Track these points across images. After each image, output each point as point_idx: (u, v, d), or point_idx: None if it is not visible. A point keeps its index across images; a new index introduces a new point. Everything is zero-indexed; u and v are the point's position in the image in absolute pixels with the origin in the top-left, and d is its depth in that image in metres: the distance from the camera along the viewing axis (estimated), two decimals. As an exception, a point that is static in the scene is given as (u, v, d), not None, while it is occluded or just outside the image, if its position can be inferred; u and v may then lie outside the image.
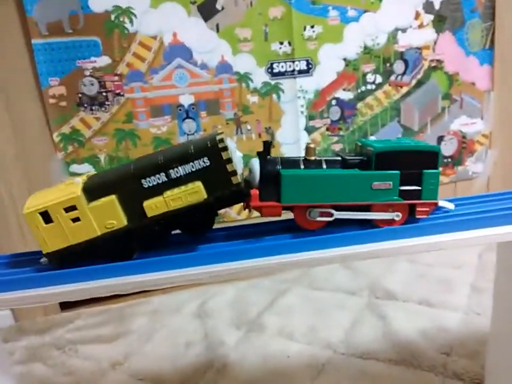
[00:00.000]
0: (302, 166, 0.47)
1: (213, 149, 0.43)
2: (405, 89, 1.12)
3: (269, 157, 0.47)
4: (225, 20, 0.97)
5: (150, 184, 0.44)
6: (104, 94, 0.94)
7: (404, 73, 1.11)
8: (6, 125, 0.92)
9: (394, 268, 1.05)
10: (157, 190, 0.44)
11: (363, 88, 1.09)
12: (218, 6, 0.96)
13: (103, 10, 0.90)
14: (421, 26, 1.09)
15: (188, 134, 1.01)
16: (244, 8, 0.97)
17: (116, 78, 0.94)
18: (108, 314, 0.98)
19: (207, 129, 1.02)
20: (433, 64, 1.12)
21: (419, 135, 1.16)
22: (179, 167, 0.43)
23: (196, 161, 0.43)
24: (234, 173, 0.44)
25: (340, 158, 0.49)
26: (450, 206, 0.52)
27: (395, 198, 0.48)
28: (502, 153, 1.23)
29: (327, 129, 1.10)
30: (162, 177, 0.43)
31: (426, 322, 0.83)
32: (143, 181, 0.44)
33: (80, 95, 0.94)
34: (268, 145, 0.47)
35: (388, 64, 1.09)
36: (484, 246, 1.03)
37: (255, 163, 0.47)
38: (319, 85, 1.06)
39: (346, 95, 1.09)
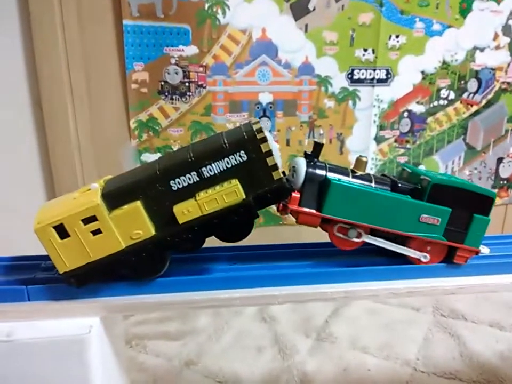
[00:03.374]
0: (351, 178, 0.43)
1: (251, 141, 0.37)
2: (474, 108, 1.12)
3: (317, 160, 0.42)
4: (314, 20, 0.95)
5: (180, 186, 0.37)
6: (186, 84, 0.92)
7: (476, 92, 1.11)
8: (84, 104, 0.88)
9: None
10: (188, 192, 0.38)
11: (435, 103, 1.09)
12: (310, 6, 0.94)
13: (197, -2, 0.88)
14: (497, 47, 1.08)
15: (262, 133, 0.99)
16: (335, 11, 0.96)
17: (201, 69, 0.92)
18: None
19: (281, 130, 1.00)
20: (503, 86, 1.12)
21: (481, 155, 1.16)
22: (212, 164, 0.37)
23: (231, 157, 0.37)
24: (275, 167, 0.38)
25: (389, 180, 0.45)
26: (486, 250, 0.48)
27: (439, 236, 0.44)
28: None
29: (395, 141, 1.09)
30: (193, 177, 0.37)
31: (501, 345, 0.83)
32: (171, 182, 0.37)
33: (162, 83, 0.91)
34: (319, 147, 0.42)
35: (462, 82, 1.09)
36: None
37: (301, 163, 0.41)
38: (394, 95, 1.05)
39: (418, 108, 1.08)
